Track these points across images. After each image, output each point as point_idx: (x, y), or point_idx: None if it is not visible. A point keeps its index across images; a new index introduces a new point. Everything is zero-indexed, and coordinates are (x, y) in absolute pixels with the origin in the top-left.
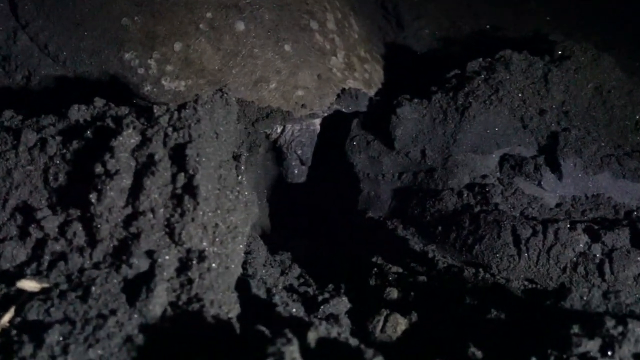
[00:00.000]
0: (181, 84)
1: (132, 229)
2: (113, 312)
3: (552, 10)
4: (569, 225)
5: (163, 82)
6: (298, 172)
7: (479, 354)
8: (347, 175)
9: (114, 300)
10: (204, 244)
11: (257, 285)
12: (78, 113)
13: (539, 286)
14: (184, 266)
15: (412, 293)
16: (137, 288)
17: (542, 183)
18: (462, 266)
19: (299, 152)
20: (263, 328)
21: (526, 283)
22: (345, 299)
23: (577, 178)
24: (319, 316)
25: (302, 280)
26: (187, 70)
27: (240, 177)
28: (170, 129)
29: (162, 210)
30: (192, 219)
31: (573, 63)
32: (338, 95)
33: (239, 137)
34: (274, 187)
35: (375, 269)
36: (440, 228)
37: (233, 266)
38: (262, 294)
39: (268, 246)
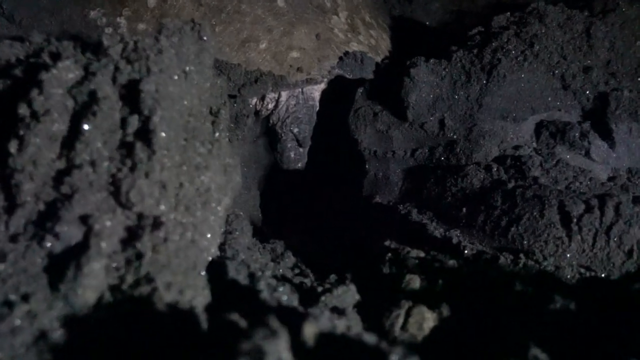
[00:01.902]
0: None
1: (64, 189)
2: (25, 298)
3: None
4: (632, 199)
5: None
6: (295, 156)
7: (543, 357)
8: (350, 156)
9: (30, 283)
10: (162, 207)
11: (236, 268)
12: (10, 50)
13: (599, 274)
14: (132, 236)
15: (440, 281)
16: (64, 266)
17: (590, 153)
18: (495, 253)
19: (295, 130)
20: (237, 318)
21: (582, 271)
22: (353, 287)
23: (632, 146)
24: (319, 309)
25: (297, 270)
26: None
27: (217, 134)
28: (123, 62)
29: (105, 163)
30: (146, 174)
31: (618, 17)
32: (340, 59)
33: (219, 90)
34: (266, 173)
35: (390, 255)
36: (464, 210)
37: (202, 240)
38: (242, 279)
39: (257, 237)
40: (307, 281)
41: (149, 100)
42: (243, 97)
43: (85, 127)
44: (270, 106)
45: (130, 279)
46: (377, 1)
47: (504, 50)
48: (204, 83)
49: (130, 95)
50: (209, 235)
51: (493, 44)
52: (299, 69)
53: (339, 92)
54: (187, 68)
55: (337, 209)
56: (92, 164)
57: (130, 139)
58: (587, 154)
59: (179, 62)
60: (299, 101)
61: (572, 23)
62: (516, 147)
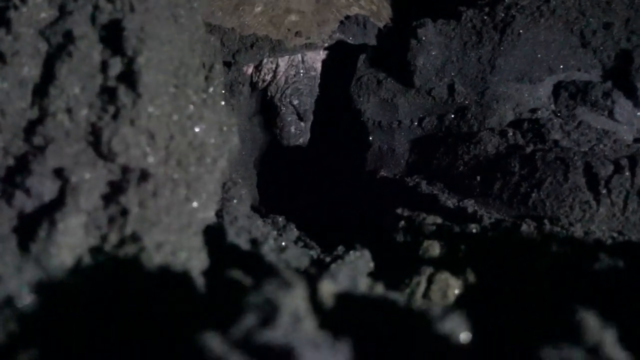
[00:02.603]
0: None
1: (37, 140)
2: None
3: None
4: None
5: None
6: (295, 131)
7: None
8: (353, 127)
9: None
10: (150, 160)
11: (236, 232)
12: None
13: (632, 239)
14: (115, 192)
15: (462, 247)
16: (36, 225)
17: (614, 113)
18: (516, 221)
19: (296, 102)
20: (242, 276)
21: (615, 235)
22: (367, 252)
23: None
24: (343, 269)
25: (301, 243)
26: None
27: (212, 89)
28: (102, 1)
29: (84, 111)
30: (131, 121)
31: None
32: (341, 23)
33: (212, 49)
34: (263, 153)
35: (403, 222)
36: (478, 178)
37: (197, 200)
38: (243, 243)
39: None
40: (313, 253)
41: (133, 39)
42: (238, 64)
43: (61, 70)
44: (268, 77)
45: (113, 238)
46: None
47: (518, 6)
48: (196, 31)
49: (113, 36)
50: (204, 195)
51: (506, 0)
52: (297, 34)
53: (340, 61)
54: (177, 11)
55: (341, 185)
56: (69, 111)
57: (112, 83)
58: (611, 115)
59: (168, 4)
60: (299, 71)
61: None
62: (533, 110)
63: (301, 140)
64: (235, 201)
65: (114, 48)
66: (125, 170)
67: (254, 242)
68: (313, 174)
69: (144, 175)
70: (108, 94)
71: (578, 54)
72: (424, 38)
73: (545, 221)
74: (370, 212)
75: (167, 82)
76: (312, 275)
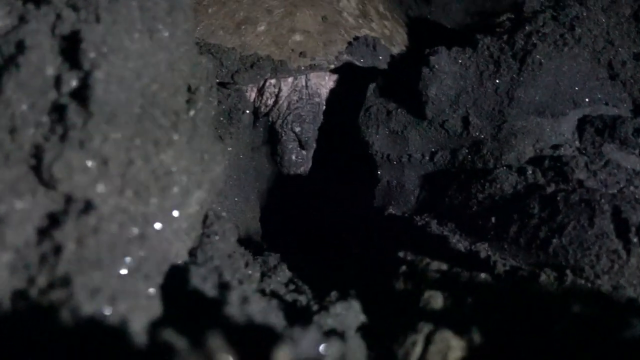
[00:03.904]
0: None
1: None
2: None
3: None
4: None
5: None
6: (296, 159)
7: None
8: (360, 160)
9: None
10: (99, 189)
11: (203, 275)
12: None
13: None
14: (52, 224)
15: (469, 299)
16: None
17: None
18: (533, 269)
19: (297, 129)
20: (176, 338)
21: None
22: (356, 304)
23: None
24: (310, 332)
25: (291, 286)
26: None
27: (193, 112)
28: (67, 9)
29: (30, 130)
30: (80, 144)
31: None
32: (349, 43)
33: (203, 71)
34: (270, 185)
35: (404, 267)
36: (493, 219)
37: (158, 237)
38: (209, 289)
39: (251, 250)
40: (303, 298)
41: (92, 51)
42: (237, 85)
43: (7, 83)
44: (270, 101)
45: (42, 281)
46: (392, 1)
47: (540, 34)
48: (177, 48)
49: (73, 48)
50: (168, 232)
51: (526, 27)
52: (301, 54)
53: (348, 87)
54: (154, 25)
55: (345, 221)
56: (12, 131)
57: (64, 100)
58: None
59: (142, 17)
60: (302, 96)
61: (618, 7)
62: (555, 147)
63: (302, 169)
64: (216, 237)
65: (72, 61)
66: (68, 199)
67: (224, 286)
68: (316, 207)
69: (87, 207)
70: (59, 113)
71: (605, 86)
72: (436, 66)
73: (568, 272)
74: (376, 253)
75: (131, 101)
76: (273, 336)
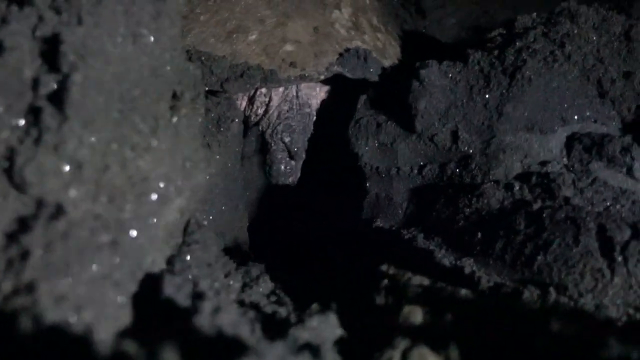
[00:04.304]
0: None
1: None
2: None
3: None
4: None
5: None
6: (285, 170)
7: None
8: (349, 172)
9: None
10: (72, 193)
11: (177, 284)
12: None
13: None
14: (21, 228)
15: (449, 315)
16: None
17: (633, 170)
18: (517, 286)
19: (287, 140)
20: (135, 348)
21: (631, 312)
22: (333, 317)
23: None
24: (284, 345)
25: (273, 298)
26: None
27: (176, 119)
28: (49, 11)
29: (5, 133)
30: (55, 147)
31: None
32: (340, 55)
33: (190, 79)
34: (261, 196)
35: (386, 281)
36: (480, 235)
37: (131, 244)
38: (182, 298)
39: (237, 260)
40: (283, 310)
41: (71, 54)
42: (227, 93)
43: None
44: (260, 111)
45: (7, 286)
46: (386, 12)
47: (530, 50)
48: (162, 54)
49: (52, 50)
50: (143, 239)
51: (517, 43)
52: (292, 64)
53: (338, 98)
54: (139, 30)
55: (332, 232)
56: None
57: (41, 103)
58: (630, 172)
59: (127, 22)
60: (292, 106)
61: (609, 25)
62: (543, 163)
63: (291, 179)
64: (197, 246)
65: (51, 64)
66: (40, 204)
67: (198, 296)
68: (304, 217)
69: (58, 212)
70: (34, 115)
71: (595, 104)
72: (427, 80)
73: (551, 289)
74: (361, 265)
75: (109, 105)
76: (240, 349)
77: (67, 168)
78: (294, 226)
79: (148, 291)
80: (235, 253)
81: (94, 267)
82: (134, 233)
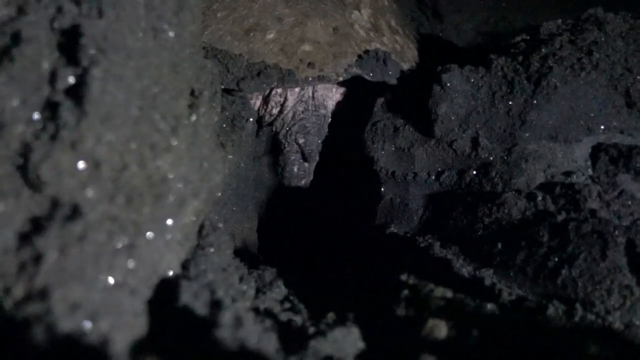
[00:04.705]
0: None
1: None
2: None
3: None
4: None
5: None
6: (298, 171)
7: None
8: (364, 176)
9: None
10: (89, 194)
11: (195, 292)
12: None
13: None
14: (35, 229)
15: (475, 332)
16: None
17: None
18: (541, 301)
19: (301, 141)
20: None
21: None
22: (355, 330)
23: None
24: (305, 357)
25: (287, 305)
26: None
27: (194, 117)
28: (69, 3)
29: (20, 127)
30: (72, 145)
31: None
32: (359, 56)
33: (207, 76)
34: (271, 197)
35: (407, 292)
36: (500, 245)
37: (148, 248)
38: (200, 307)
39: (246, 263)
40: (298, 319)
41: (91, 48)
42: (242, 92)
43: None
44: (275, 111)
45: (19, 292)
46: (404, 15)
47: (556, 57)
48: (181, 50)
49: (72, 43)
50: (160, 243)
51: (542, 50)
52: (310, 64)
53: (355, 101)
54: (160, 25)
55: (345, 237)
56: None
57: (59, 97)
58: None
59: (148, 16)
60: (307, 107)
61: (637, 34)
62: (567, 173)
63: (303, 182)
64: (211, 249)
65: (70, 57)
66: (55, 203)
67: (216, 305)
68: (316, 220)
69: (74, 213)
70: (51, 110)
71: (622, 114)
72: (448, 84)
73: (577, 305)
74: (375, 272)
75: (129, 102)
76: None
77: (84, 166)
78: (304, 229)
79: (164, 298)
80: (245, 256)
81: (111, 272)
82: (150, 236)
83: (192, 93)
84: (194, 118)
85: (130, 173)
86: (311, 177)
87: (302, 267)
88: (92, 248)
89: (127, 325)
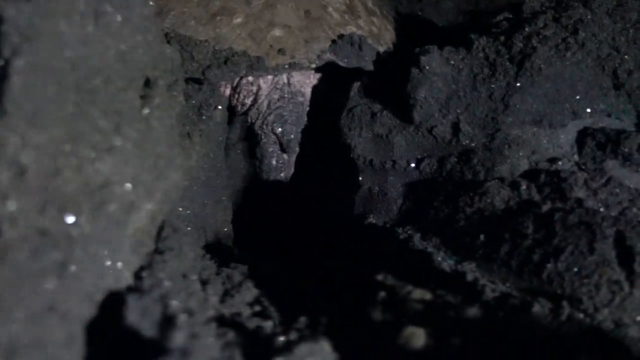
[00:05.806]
0: None
1: None
2: None
3: None
4: None
5: None
6: (277, 164)
7: None
8: (341, 164)
9: None
10: (10, 206)
11: (143, 308)
12: None
13: None
14: None
15: (456, 340)
16: None
17: None
18: (525, 297)
19: (279, 131)
20: None
21: None
22: (325, 345)
23: None
24: None
25: (257, 308)
26: None
27: (147, 111)
28: None
29: None
30: None
31: None
32: (333, 41)
33: (167, 63)
34: (246, 185)
35: (383, 294)
36: (482, 237)
37: (84, 264)
38: (147, 327)
39: (218, 259)
40: (267, 325)
41: (15, 35)
42: (209, 82)
43: None
44: (248, 100)
45: None
46: None
47: (540, 36)
48: (132, 36)
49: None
50: (103, 254)
51: (526, 29)
52: (280, 51)
53: (332, 87)
54: (102, 7)
55: (324, 230)
56: None
57: None
58: None
59: None
60: (283, 95)
61: (624, 11)
62: (552, 160)
63: (283, 174)
64: (171, 254)
65: None
66: None
67: (168, 321)
68: (295, 214)
69: None
70: None
71: (609, 96)
72: (427, 67)
73: (564, 303)
74: (352, 266)
75: (62, 98)
76: None
77: (5, 175)
78: (281, 220)
79: (106, 321)
80: (216, 251)
81: (37, 295)
82: (92, 249)
83: (147, 83)
84: (146, 111)
85: (63, 179)
86: (292, 170)
87: (279, 258)
88: (13, 273)
89: (54, 357)
